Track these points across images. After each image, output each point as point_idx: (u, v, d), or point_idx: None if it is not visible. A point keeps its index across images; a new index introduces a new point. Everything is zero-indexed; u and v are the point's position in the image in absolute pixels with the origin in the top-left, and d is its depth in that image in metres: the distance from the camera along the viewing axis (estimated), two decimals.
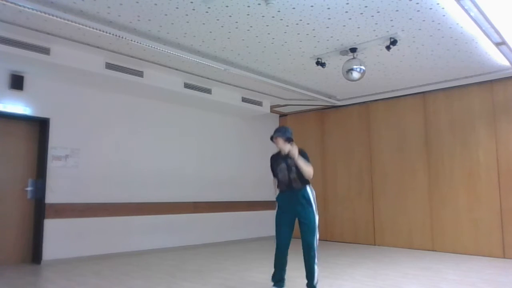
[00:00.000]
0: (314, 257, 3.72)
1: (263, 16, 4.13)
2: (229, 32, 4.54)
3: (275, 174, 3.91)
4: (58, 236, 5.51)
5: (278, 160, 3.84)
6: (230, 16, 4.13)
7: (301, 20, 4.22)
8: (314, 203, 3.76)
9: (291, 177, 3.75)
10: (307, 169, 3.65)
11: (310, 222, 3.72)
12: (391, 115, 7.36)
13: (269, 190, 8.44)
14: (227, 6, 3.91)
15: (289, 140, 3.79)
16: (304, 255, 3.75)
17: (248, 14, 4.09)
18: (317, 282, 3.76)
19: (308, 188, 3.77)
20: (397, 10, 4.00)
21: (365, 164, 7.62)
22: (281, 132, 3.80)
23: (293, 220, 3.84)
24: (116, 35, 4.45)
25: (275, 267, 3.89)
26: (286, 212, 3.84)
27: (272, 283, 3.90)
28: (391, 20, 4.23)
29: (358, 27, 4.41)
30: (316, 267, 3.73)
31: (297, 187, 3.74)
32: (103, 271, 4.91)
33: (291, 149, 3.61)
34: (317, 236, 3.76)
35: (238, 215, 7.87)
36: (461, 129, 6.50)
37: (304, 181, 3.74)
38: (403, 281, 4.41)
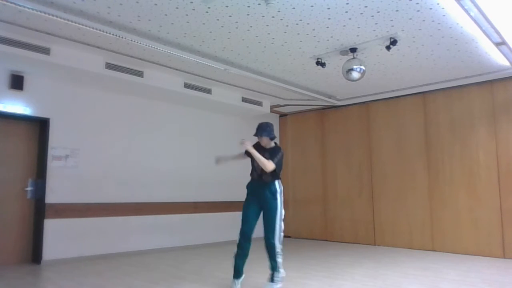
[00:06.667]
0: (273, 248, 3.81)
1: (263, 16, 4.14)
2: (229, 32, 4.54)
3: (250, 156, 3.99)
4: (58, 236, 5.51)
5: (259, 150, 3.92)
6: (230, 16, 4.13)
7: (301, 20, 4.22)
8: (280, 197, 3.88)
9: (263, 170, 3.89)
10: (263, 162, 3.75)
11: (271, 214, 3.83)
12: (391, 115, 7.36)
13: None
14: (227, 6, 3.91)
15: (272, 138, 4.01)
16: (265, 245, 3.88)
17: (248, 14, 4.09)
18: (278, 276, 3.88)
19: (276, 183, 3.91)
20: (397, 10, 4.00)
21: (365, 164, 7.61)
22: (267, 132, 3.96)
23: (259, 210, 3.97)
24: (116, 35, 4.45)
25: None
26: (254, 201, 3.99)
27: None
28: (391, 20, 4.23)
29: (358, 27, 4.41)
30: (277, 259, 3.85)
31: (266, 179, 3.90)
32: (103, 271, 4.91)
33: (245, 144, 3.77)
34: (279, 229, 3.83)
35: (238, 215, 7.83)
36: (461, 129, 6.50)
37: (274, 176, 3.89)
38: (403, 281, 4.40)
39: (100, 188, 6.01)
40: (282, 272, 3.89)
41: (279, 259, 3.85)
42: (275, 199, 3.86)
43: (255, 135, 4.02)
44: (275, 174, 3.89)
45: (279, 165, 3.86)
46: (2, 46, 4.54)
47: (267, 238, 3.83)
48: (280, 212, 3.84)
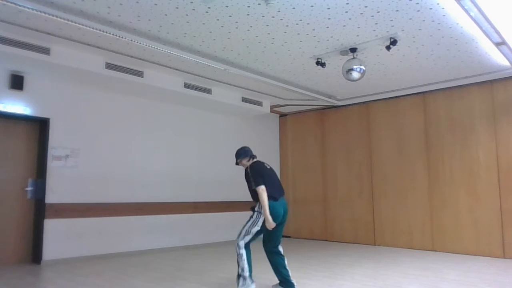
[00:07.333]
0: (237, 255, 3.85)
1: (263, 16, 4.14)
2: (229, 32, 4.54)
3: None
4: (58, 236, 5.51)
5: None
6: (230, 16, 4.13)
7: (301, 20, 4.22)
8: (257, 215, 3.84)
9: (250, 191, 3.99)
10: (263, 204, 3.75)
11: (244, 223, 3.91)
12: (391, 115, 7.36)
13: None
14: (227, 6, 3.91)
15: (252, 157, 4.11)
16: None
17: (248, 14, 4.09)
18: (240, 277, 3.77)
19: (258, 204, 3.87)
20: (397, 10, 4.00)
21: (365, 164, 7.61)
22: (243, 155, 4.11)
23: None
24: (116, 35, 4.45)
25: None
26: None
27: None
28: (391, 20, 4.23)
29: (358, 27, 4.41)
30: (239, 265, 3.80)
31: (255, 201, 3.91)
32: (103, 271, 4.91)
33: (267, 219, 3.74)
34: (242, 236, 3.84)
35: (238, 215, 7.85)
36: (461, 129, 6.50)
37: (255, 198, 3.88)
38: (403, 281, 4.40)
39: (100, 188, 6.01)
40: (241, 286, 3.75)
41: (240, 266, 3.78)
42: (253, 213, 3.90)
43: (236, 164, 4.17)
44: (255, 196, 3.88)
45: (255, 180, 3.85)
46: (2, 46, 4.54)
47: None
48: (251, 224, 3.83)
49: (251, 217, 3.87)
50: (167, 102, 6.99)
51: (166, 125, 6.98)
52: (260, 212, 3.80)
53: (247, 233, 3.82)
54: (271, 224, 3.70)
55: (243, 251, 3.80)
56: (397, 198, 7.12)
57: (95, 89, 6.09)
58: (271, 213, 3.73)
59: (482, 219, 6.15)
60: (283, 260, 3.95)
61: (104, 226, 5.98)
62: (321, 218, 8.17)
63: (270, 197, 3.77)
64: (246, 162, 4.08)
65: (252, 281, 3.80)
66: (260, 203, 3.79)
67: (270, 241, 3.92)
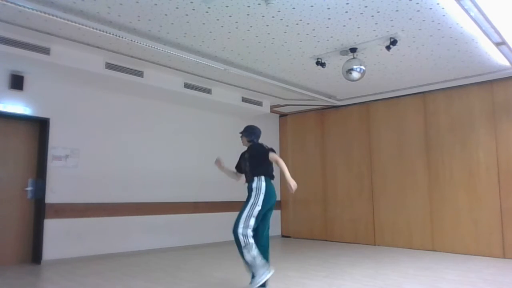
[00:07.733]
0: (239, 245, 3.70)
1: (263, 16, 4.14)
2: (229, 32, 4.54)
3: (237, 166, 4.30)
4: (58, 236, 5.51)
5: (244, 155, 4.20)
6: (230, 16, 4.13)
7: (301, 20, 4.22)
8: (255, 192, 3.85)
9: (246, 170, 4.09)
10: (285, 170, 3.89)
11: (243, 206, 3.86)
12: (391, 115, 7.36)
13: None
14: (227, 6, 3.92)
15: (250, 141, 4.17)
16: None
17: (248, 14, 4.09)
18: (255, 281, 3.58)
19: (255, 180, 3.92)
20: (397, 10, 4.00)
21: (365, 164, 7.61)
22: (247, 132, 4.19)
23: None
24: (116, 35, 4.45)
25: None
26: None
27: None
28: (391, 20, 4.23)
29: (358, 27, 4.41)
30: (244, 258, 3.66)
31: (249, 178, 4.02)
32: (103, 271, 4.91)
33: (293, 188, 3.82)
34: (244, 219, 3.71)
35: None
36: (461, 129, 6.50)
37: (255, 173, 3.94)
38: (403, 281, 4.40)
39: (100, 188, 6.01)
40: (262, 275, 3.52)
41: (249, 258, 3.58)
42: (250, 193, 3.90)
43: (240, 133, 4.24)
44: (255, 172, 3.94)
45: (257, 159, 3.94)
46: (2, 46, 4.54)
47: (233, 227, 3.76)
48: (252, 206, 3.77)
49: (250, 198, 3.82)
50: (167, 102, 6.99)
51: (166, 125, 6.98)
52: (259, 189, 3.81)
53: (249, 216, 3.69)
54: (293, 183, 3.75)
55: (251, 240, 3.60)
56: (397, 198, 7.12)
57: (95, 89, 6.09)
58: (267, 193, 3.81)
59: (482, 219, 6.15)
60: (267, 248, 3.92)
61: (104, 226, 5.98)
62: (321, 218, 8.17)
63: (269, 176, 3.94)
64: (246, 141, 4.17)
65: (269, 265, 3.62)
66: (258, 180, 3.86)
67: (259, 226, 3.88)
